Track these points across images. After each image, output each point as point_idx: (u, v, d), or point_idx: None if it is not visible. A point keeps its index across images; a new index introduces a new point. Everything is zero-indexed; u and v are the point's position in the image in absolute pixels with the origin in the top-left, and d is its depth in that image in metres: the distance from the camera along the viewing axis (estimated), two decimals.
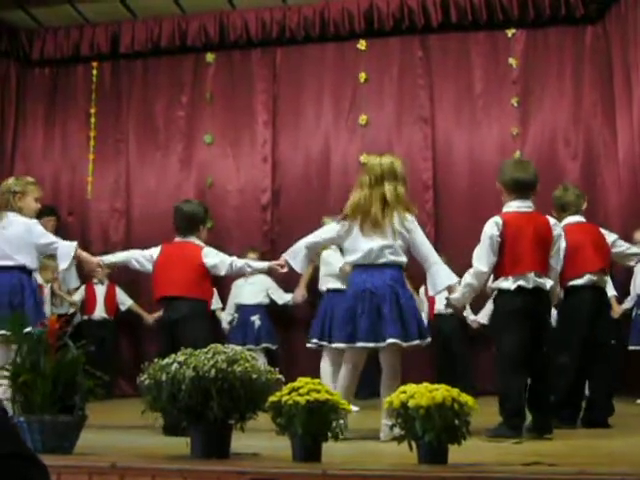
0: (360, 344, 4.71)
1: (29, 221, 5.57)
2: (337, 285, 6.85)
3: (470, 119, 8.80)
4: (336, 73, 9.13)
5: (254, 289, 8.41)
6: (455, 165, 8.80)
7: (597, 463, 3.48)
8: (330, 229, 5.09)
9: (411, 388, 3.32)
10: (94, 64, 9.64)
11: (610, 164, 8.36)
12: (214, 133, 9.29)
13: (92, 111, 9.57)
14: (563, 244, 5.02)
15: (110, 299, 8.80)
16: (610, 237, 5.72)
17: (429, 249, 4.93)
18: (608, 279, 5.85)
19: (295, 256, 5.11)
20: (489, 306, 7.49)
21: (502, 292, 4.89)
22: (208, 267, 5.51)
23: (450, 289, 4.97)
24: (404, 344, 4.68)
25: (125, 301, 8.84)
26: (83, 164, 9.54)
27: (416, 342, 4.73)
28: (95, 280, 8.63)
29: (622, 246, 5.77)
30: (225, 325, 8.64)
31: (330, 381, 6.18)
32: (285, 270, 5.34)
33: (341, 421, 3.43)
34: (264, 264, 5.72)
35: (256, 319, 8.38)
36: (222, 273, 5.63)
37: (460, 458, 3.27)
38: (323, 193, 8.83)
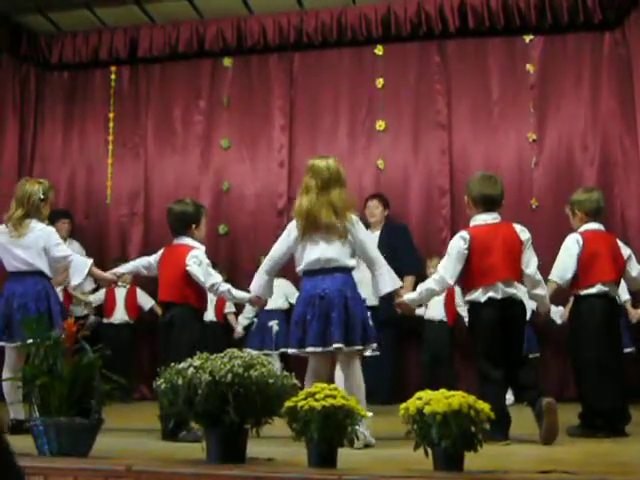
0: (309, 349, 4.67)
1: (47, 228, 5.53)
2: None
3: (487, 124, 8.78)
4: (353, 78, 9.12)
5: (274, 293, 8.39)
6: (472, 170, 8.72)
7: (613, 472, 3.46)
8: (280, 245, 4.98)
9: (427, 394, 3.31)
10: (112, 68, 9.68)
11: (629, 171, 8.30)
12: (231, 137, 9.31)
13: (110, 115, 9.61)
14: (532, 248, 5.08)
15: (131, 301, 8.81)
16: (625, 251, 5.62)
17: (375, 252, 4.88)
18: (622, 283, 5.77)
19: (260, 287, 5.10)
20: None
21: (473, 304, 5.08)
22: (189, 273, 5.33)
23: (396, 293, 4.98)
24: (346, 349, 4.62)
25: (147, 303, 8.84)
26: (101, 168, 9.58)
27: (357, 347, 4.65)
28: (120, 283, 8.64)
29: (633, 269, 5.59)
30: (239, 329, 8.64)
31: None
32: (262, 303, 5.39)
33: (357, 427, 3.42)
34: (245, 296, 5.42)
35: (274, 324, 8.38)
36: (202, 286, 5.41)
37: (476, 465, 3.26)
38: None
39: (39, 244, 5.43)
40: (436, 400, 3.23)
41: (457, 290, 7.37)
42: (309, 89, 9.26)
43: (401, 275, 5.32)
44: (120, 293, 8.79)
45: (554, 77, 8.67)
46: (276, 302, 8.36)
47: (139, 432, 5.31)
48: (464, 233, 5.07)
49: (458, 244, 5.04)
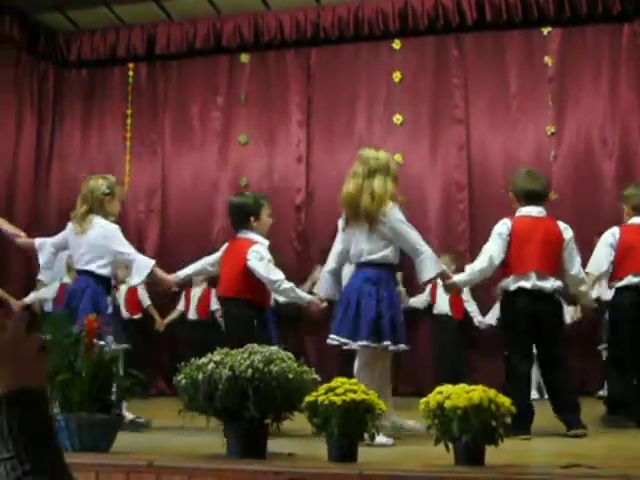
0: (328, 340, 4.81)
1: (109, 225, 5.43)
2: None
3: (505, 118, 8.73)
4: (370, 73, 9.10)
5: None
6: (490, 165, 8.74)
7: (636, 466, 3.43)
8: (337, 243, 4.99)
9: (447, 389, 3.30)
10: (130, 65, 9.71)
11: None
12: (249, 133, 9.31)
13: (128, 112, 9.64)
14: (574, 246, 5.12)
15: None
16: None
17: (412, 240, 4.77)
18: None
19: (325, 289, 5.11)
20: (497, 308, 7.59)
21: (505, 293, 5.12)
22: (250, 269, 5.27)
23: (443, 276, 4.98)
24: (353, 344, 4.71)
25: (145, 301, 8.91)
26: (119, 165, 9.61)
27: (360, 343, 4.67)
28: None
29: None
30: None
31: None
32: (324, 305, 5.30)
33: (378, 422, 3.42)
34: (306, 297, 5.44)
35: None
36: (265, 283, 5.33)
37: (497, 459, 3.25)
38: None
39: (99, 241, 5.34)
40: (456, 394, 3.22)
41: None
42: (326, 84, 9.24)
43: None
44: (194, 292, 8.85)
45: (572, 70, 8.61)
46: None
47: (159, 428, 5.31)
48: (506, 220, 5.15)
49: (501, 228, 5.10)
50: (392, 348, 4.70)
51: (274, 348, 3.65)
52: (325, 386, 3.42)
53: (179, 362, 3.66)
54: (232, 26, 9.18)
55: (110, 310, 5.42)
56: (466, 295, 7.83)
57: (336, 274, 5.05)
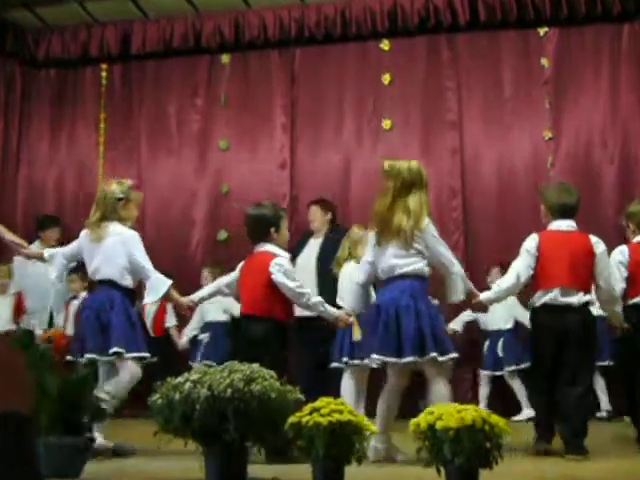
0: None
1: (128, 232, 5.39)
2: None
3: (500, 122, 8.76)
4: (358, 75, 9.11)
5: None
6: (484, 171, 8.76)
7: None
8: (368, 256, 5.03)
9: (438, 409, 3.30)
10: (103, 66, 9.68)
11: None
12: (229, 138, 9.30)
13: (101, 115, 9.61)
14: (607, 261, 5.29)
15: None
16: None
17: (445, 258, 4.90)
18: None
19: (355, 302, 5.17)
20: (465, 314, 7.93)
21: (532, 309, 5.32)
22: (274, 282, 5.24)
23: (470, 294, 5.14)
24: (400, 362, 4.73)
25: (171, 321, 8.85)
26: (91, 171, 9.56)
27: (409, 359, 4.70)
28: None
29: None
30: (184, 341, 8.62)
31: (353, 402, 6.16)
32: (352, 320, 5.37)
33: (365, 443, 3.41)
34: (335, 312, 5.44)
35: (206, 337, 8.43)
36: (290, 297, 5.31)
37: None
38: (344, 200, 8.79)
39: (118, 248, 5.30)
40: (448, 415, 3.22)
41: None
42: (311, 86, 9.25)
43: None
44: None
45: (570, 72, 8.65)
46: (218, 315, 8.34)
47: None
48: (535, 235, 5.32)
49: (529, 244, 5.27)
50: (441, 359, 4.70)
51: (255, 366, 3.64)
52: (309, 406, 3.42)
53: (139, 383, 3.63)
54: (212, 25, 9.18)
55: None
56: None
57: (366, 287, 5.14)
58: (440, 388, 4.68)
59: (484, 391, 8.09)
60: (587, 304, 5.15)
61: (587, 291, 5.17)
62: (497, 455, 3.26)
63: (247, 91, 9.36)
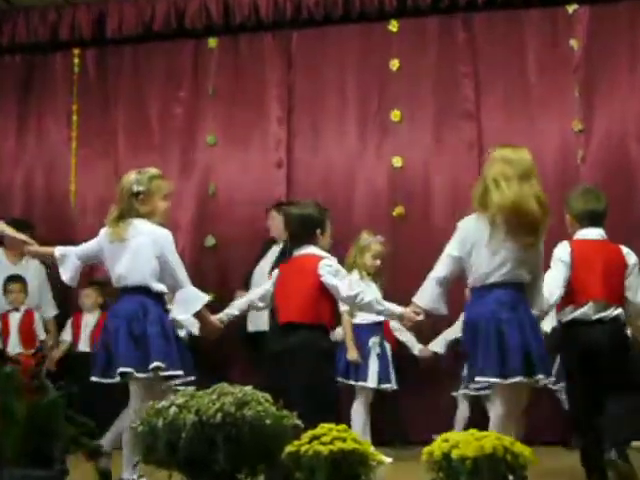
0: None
1: (159, 230, 5.24)
2: None
3: (523, 112, 8.76)
4: (363, 60, 9.12)
5: None
6: None
7: None
8: (453, 250, 4.93)
9: (454, 436, 3.32)
10: (75, 51, 9.69)
11: None
12: (218, 133, 9.31)
13: (74, 107, 9.63)
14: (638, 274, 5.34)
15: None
16: None
17: (539, 268, 4.91)
18: None
19: (430, 298, 4.98)
20: (447, 332, 7.81)
21: (562, 325, 5.36)
22: (325, 285, 5.31)
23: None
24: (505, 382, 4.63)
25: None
26: (63, 170, 9.59)
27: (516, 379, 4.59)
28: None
29: None
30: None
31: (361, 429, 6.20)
32: (421, 318, 5.12)
33: (371, 475, 3.43)
34: (398, 309, 5.32)
35: None
36: (342, 300, 5.41)
37: None
38: (348, 201, 8.81)
39: (146, 250, 5.16)
40: (465, 442, 3.23)
41: None
42: (310, 74, 9.26)
43: None
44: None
45: (603, 54, 8.65)
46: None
47: None
48: (565, 242, 5.35)
49: (562, 252, 5.27)
50: (545, 382, 4.73)
51: (248, 388, 3.65)
52: (309, 433, 3.43)
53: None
54: (197, 4, 9.19)
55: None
56: (395, 323, 7.66)
57: (445, 285, 4.95)
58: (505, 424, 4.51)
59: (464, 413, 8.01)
60: (619, 318, 5.22)
61: (620, 305, 5.23)
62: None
63: (237, 80, 9.37)
